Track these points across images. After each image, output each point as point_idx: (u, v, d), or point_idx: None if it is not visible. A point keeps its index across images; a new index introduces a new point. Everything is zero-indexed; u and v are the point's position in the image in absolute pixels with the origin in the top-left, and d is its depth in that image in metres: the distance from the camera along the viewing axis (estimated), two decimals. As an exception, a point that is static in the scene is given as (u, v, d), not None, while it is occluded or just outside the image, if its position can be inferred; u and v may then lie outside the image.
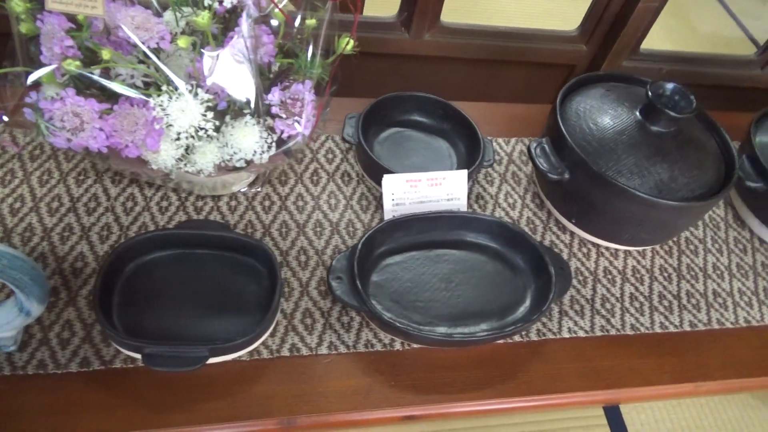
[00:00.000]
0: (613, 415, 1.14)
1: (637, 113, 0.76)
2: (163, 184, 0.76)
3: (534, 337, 0.73)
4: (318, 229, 0.77)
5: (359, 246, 0.70)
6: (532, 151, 0.78)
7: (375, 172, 0.80)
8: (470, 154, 0.86)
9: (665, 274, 0.83)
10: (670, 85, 0.75)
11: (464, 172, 0.79)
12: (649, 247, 0.85)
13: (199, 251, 0.69)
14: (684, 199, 0.73)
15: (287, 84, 0.62)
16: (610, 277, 0.81)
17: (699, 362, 0.75)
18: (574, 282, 0.79)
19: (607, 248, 0.84)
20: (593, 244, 0.84)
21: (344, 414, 0.63)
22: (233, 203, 0.77)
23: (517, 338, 0.72)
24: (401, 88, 0.91)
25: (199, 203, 0.76)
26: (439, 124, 0.91)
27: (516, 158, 0.92)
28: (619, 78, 0.85)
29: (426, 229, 0.76)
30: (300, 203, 0.79)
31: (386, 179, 0.76)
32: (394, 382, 0.66)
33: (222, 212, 0.76)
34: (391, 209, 0.78)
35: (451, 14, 1.08)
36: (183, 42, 0.57)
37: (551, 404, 0.69)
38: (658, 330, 0.77)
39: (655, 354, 0.75)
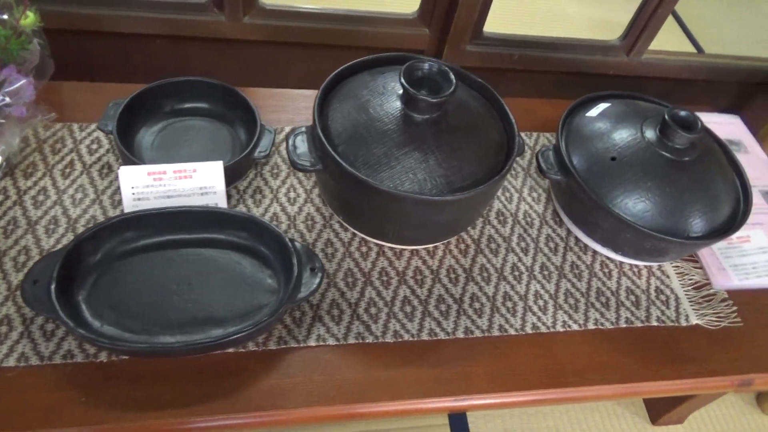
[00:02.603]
0: (459, 423, 1.07)
1: (398, 98, 0.69)
2: None
3: (273, 346, 0.66)
4: (52, 226, 0.70)
5: (70, 246, 0.63)
6: (289, 139, 0.70)
7: (131, 164, 0.73)
8: (250, 144, 0.79)
9: (452, 276, 0.75)
10: (426, 65, 0.67)
11: (219, 164, 0.72)
12: (441, 247, 0.78)
13: None
14: (436, 193, 0.65)
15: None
16: (385, 279, 0.73)
17: (465, 373, 0.68)
18: (341, 285, 0.72)
19: (391, 248, 0.76)
20: (375, 243, 0.76)
21: (16, 434, 0.56)
22: (-41, 198, 0.70)
23: (252, 347, 0.65)
24: (226, 76, 0.84)
25: None
26: (225, 111, 0.83)
27: (313, 149, 0.85)
28: (402, 60, 0.77)
29: (166, 227, 0.69)
30: (40, 198, 0.72)
31: (123, 171, 0.69)
32: (85, 399, 0.59)
33: (-59, 208, 0.69)
34: (131, 204, 0.71)
35: (276, -5, 1.01)
36: None
37: (273, 421, 0.62)
38: (425, 337, 0.69)
39: (415, 364, 0.67)
